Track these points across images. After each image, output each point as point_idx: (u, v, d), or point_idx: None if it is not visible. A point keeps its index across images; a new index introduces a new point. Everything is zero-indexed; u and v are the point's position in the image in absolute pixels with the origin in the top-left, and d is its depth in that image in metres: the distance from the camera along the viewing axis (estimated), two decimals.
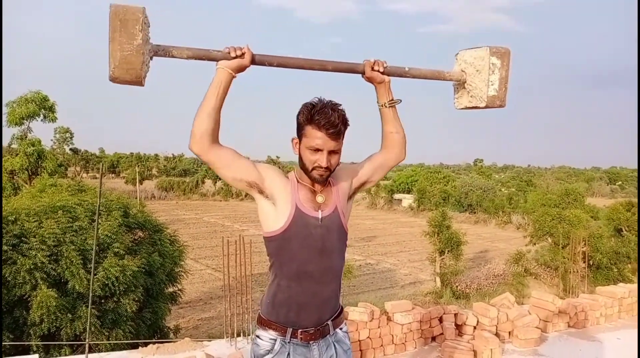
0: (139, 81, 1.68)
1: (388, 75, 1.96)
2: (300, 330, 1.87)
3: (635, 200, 24.59)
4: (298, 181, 1.88)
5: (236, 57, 1.75)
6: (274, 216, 1.83)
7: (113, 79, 1.66)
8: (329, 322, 1.93)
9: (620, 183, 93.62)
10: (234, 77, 1.77)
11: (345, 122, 1.77)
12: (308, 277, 1.84)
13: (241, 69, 1.78)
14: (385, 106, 2.00)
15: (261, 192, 1.84)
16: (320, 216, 1.84)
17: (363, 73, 1.95)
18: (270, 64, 1.84)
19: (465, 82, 2.13)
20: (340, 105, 1.78)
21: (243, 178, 1.80)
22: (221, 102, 1.75)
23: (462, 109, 2.21)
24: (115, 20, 1.61)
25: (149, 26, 1.69)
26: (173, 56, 1.75)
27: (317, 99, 1.77)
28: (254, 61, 1.80)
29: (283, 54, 1.86)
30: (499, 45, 2.08)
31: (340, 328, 2.00)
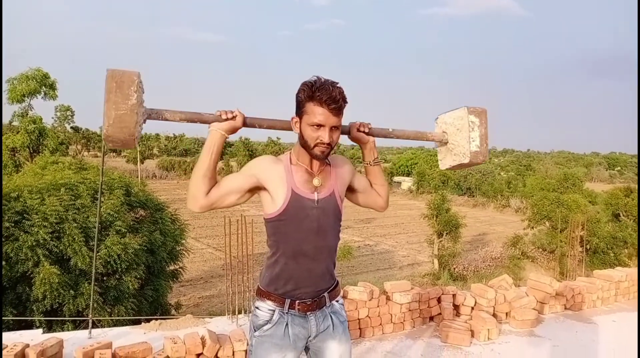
0: (132, 140, 1.71)
1: (372, 136, 2.04)
2: (297, 301, 1.93)
3: (634, 186, 24.67)
4: (292, 164, 1.92)
5: (227, 119, 1.84)
6: (271, 200, 1.89)
7: (106, 138, 1.69)
8: (326, 294, 2.00)
9: (619, 168, 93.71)
10: (226, 138, 1.86)
11: (345, 99, 1.79)
12: (303, 256, 1.91)
13: (233, 130, 1.87)
14: (370, 164, 2.09)
15: (261, 189, 1.91)
16: (316, 198, 1.89)
17: (349, 134, 2.02)
18: (261, 126, 1.92)
19: (447, 142, 2.22)
20: (339, 83, 1.80)
21: (242, 199, 1.90)
22: (216, 163, 1.85)
23: (447, 169, 2.30)
24: (111, 82, 1.66)
25: (143, 91, 1.74)
26: (166, 119, 1.81)
27: (316, 77, 1.79)
28: (245, 123, 1.88)
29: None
30: (476, 105, 2.18)
31: (337, 301, 2.07)
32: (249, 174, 1.89)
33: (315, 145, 1.81)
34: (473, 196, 49.48)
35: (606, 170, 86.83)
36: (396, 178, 59.68)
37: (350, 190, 2.10)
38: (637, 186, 22.76)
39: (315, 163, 1.92)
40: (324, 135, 1.79)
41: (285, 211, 1.86)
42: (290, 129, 1.91)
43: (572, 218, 10.31)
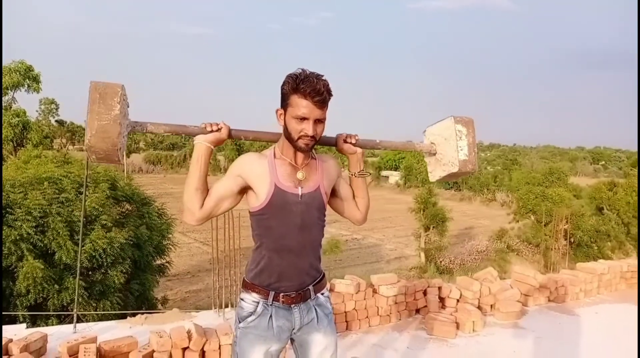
0: (115, 151, 1.69)
1: (360, 147, 2.05)
2: (282, 294, 1.94)
3: (617, 179, 25.02)
4: (276, 158, 1.92)
5: (212, 131, 1.85)
6: (255, 195, 1.90)
7: (89, 148, 1.68)
8: (310, 287, 2.00)
9: (603, 162, 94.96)
10: (212, 150, 1.87)
11: (329, 91, 1.79)
12: (287, 250, 1.91)
13: (219, 142, 1.89)
14: (355, 176, 2.08)
15: (248, 188, 1.92)
16: (300, 193, 1.89)
17: (336, 145, 2.03)
18: (246, 138, 1.94)
19: (436, 152, 2.23)
20: (324, 76, 1.80)
21: (235, 202, 1.93)
22: (205, 174, 1.86)
23: (437, 180, 2.31)
24: (94, 94, 1.65)
25: (127, 105, 1.74)
26: (150, 132, 1.81)
27: (300, 70, 1.79)
28: (230, 135, 1.89)
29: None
30: (462, 115, 2.19)
31: (322, 293, 2.07)
32: (234, 175, 1.89)
33: (299, 138, 1.81)
34: (460, 190, 49.82)
35: (591, 164, 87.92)
36: (384, 172, 59.84)
37: (333, 193, 2.09)
38: (623, 180, 23.11)
39: (300, 156, 1.91)
40: (308, 128, 1.79)
41: (268, 206, 1.87)
42: (276, 140, 1.93)
43: (556, 212, 10.44)
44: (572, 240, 20.49)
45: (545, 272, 7.19)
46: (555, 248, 9.65)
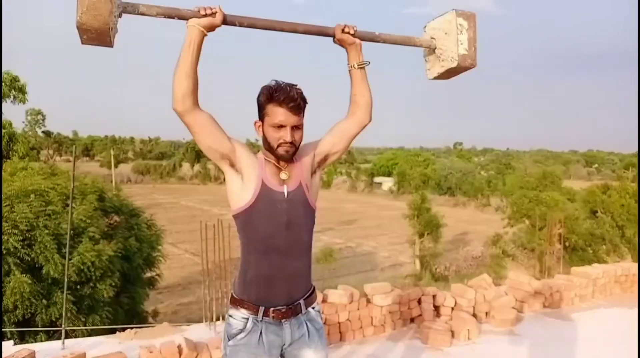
0: (106, 30, 1.64)
1: (358, 39, 1.99)
2: (272, 309, 1.89)
3: (611, 182, 25.17)
4: (265, 159, 1.91)
5: (206, 15, 1.77)
6: (241, 191, 1.87)
7: (80, 25, 1.62)
8: (301, 301, 1.95)
9: (596, 165, 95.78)
10: (205, 35, 1.78)
11: (303, 98, 1.83)
12: (274, 251, 1.87)
13: (212, 27, 1.80)
14: (355, 68, 2.02)
15: (232, 165, 1.87)
16: (285, 191, 1.88)
17: (334, 36, 1.98)
18: (241, 24, 1.85)
19: (436, 48, 2.15)
20: (297, 85, 1.83)
21: (218, 149, 1.85)
22: (196, 61, 1.77)
23: (434, 78, 2.22)
24: None
25: None
26: (142, 13, 1.73)
27: (274, 82, 1.83)
28: (224, 21, 1.81)
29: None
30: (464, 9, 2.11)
31: (313, 307, 2.02)
32: (234, 143, 1.86)
33: (279, 145, 1.83)
34: (454, 195, 49.99)
35: (584, 167, 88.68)
36: (377, 179, 59.99)
37: (329, 150, 2.03)
38: (617, 183, 23.25)
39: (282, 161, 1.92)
40: (286, 134, 1.81)
41: (254, 203, 1.85)
42: (273, 28, 1.88)
43: (550, 216, 10.44)
44: (567, 244, 20.53)
45: (541, 277, 7.14)
46: (550, 253, 9.62)
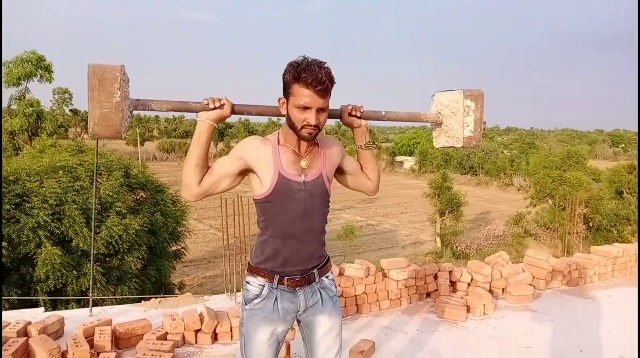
0: (118, 135, 1.70)
1: (365, 119, 2.03)
2: (286, 278, 1.96)
3: (637, 162, 24.56)
4: (280, 144, 1.91)
5: (215, 108, 1.83)
6: (259, 182, 1.90)
7: (93, 136, 1.70)
8: (315, 271, 2.02)
9: (623, 145, 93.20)
10: (214, 127, 1.86)
11: (331, 80, 1.76)
12: (291, 237, 1.93)
13: (221, 119, 1.87)
14: (362, 148, 2.08)
15: (250, 171, 1.92)
16: (303, 181, 1.89)
17: (341, 118, 2.01)
18: (249, 113, 1.91)
19: (442, 123, 2.21)
20: (326, 63, 1.76)
21: (234, 182, 1.93)
22: (206, 152, 1.85)
23: (440, 147, 2.31)
24: (93, 80, 1.63)
25: (128, 82, 1.72)
26: (152, 109, 1.81)
27: (302, 57, 1.74)
28: (233, 111, 1.87)
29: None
30: (472, 88, 2.15)
31: (327, 276, 2.09)
32: (237, 157, 1.89)
33: (302, 127, 1.79)
34: (476, 174, 49.39)
35: (610, 147, 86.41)
36: (398, 158, 59.56)
37: (340, 172, 2.10)
38: (637, 163, 22.65)
39: (303, 144, 1.91)
40: (311, 117, 1.76)
41: (272, 194, 1.87)
42: (279, 114, 1.89)
43: (573, 196, 10.29)
44: (591, 224, 20.23)
45: (562, 256, 7.11)
46: (572, 233, 9.54)
